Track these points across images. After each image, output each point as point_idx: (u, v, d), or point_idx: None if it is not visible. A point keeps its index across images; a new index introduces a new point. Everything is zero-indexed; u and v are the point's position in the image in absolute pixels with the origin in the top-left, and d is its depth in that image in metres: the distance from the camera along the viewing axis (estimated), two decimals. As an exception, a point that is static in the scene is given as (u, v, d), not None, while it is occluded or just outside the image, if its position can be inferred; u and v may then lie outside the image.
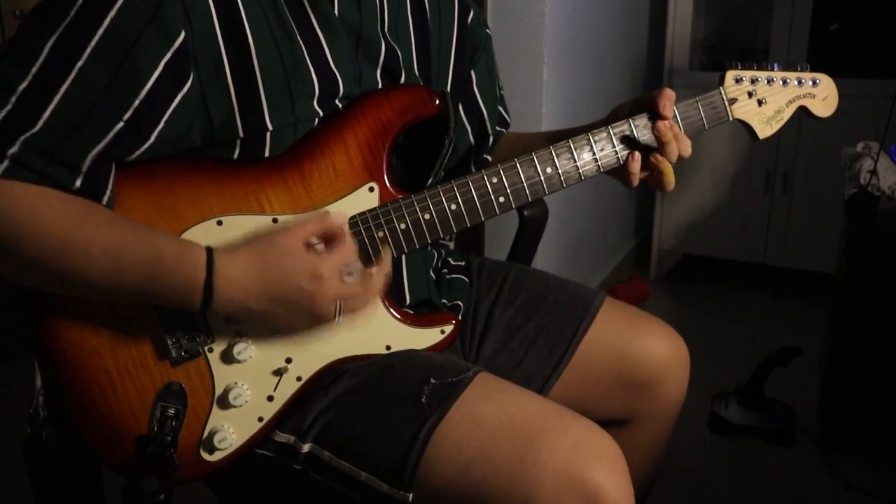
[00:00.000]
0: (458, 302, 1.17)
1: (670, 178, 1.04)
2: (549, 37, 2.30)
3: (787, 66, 1.12)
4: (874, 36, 2.92)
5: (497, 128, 1.24)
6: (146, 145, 0.85)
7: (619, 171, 1.05)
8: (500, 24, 2.32)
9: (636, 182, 1.04)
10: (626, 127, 1.03)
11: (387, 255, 0.95)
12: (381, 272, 0.93)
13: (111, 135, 0.82)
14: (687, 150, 1.04)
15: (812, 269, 2.96)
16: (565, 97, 2.49)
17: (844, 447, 2.04)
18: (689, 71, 3.03)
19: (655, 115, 1.03)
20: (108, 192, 0.85)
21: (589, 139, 1.02)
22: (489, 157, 1.23)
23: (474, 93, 1.20)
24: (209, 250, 0.85)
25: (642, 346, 1.16)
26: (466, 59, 1.18)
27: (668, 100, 1.02)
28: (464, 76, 1.18)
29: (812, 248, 2.94)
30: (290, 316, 0.89)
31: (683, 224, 3.18)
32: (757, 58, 3.15)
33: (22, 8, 2.43)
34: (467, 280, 1.23)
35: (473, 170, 1.20)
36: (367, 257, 0.96)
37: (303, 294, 0.86)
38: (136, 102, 0.82)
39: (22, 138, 0.79)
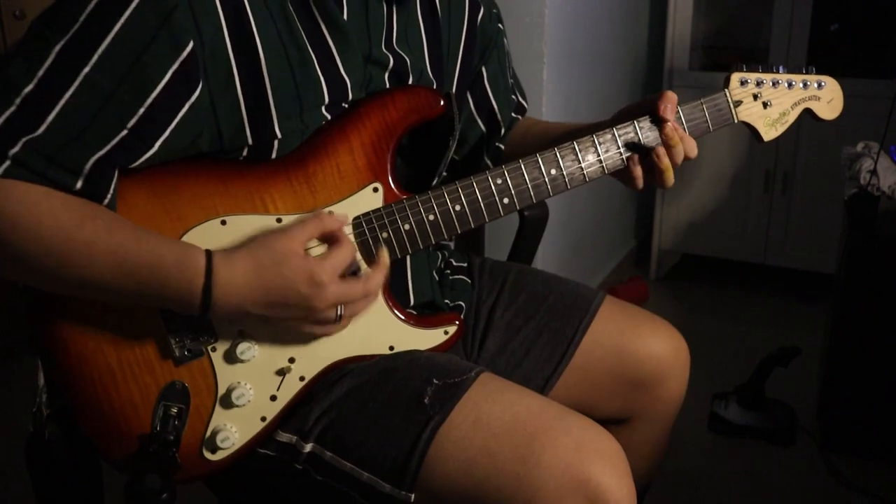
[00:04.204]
0: (461, 302, 1.17)
1: (671, 177, 1.04)
2: (549, 37, 2.30)
3: (793, 69, 1.11)
4: (874, 36, 2.92)
5: (513, 115, 1.26)
6: (150, 153, 0.85)
7: (622, 173, 1.05)
8: (500, 24, 2.32)
9: (641, 185, 1.04)
10: (630, 129, 1.03)
11: (383, 256, 0.94)
12: (378, 273, 0.93)
13: (114, 142, 0.82)
14: (693, 150, 1.04)
15: (812, 269, 2.96)
16: (565, 97, 2.49)
17: (844, 447, 2.04)
18: (689, 71, 3.03)
19: (658, 118, 1.02)
20: (109, 195, 0.84)
21: (594, 141, 1.02)
22: (502, 146, 1.24)
23: (485, 88, 1.21)
24: (208, 254, 0.85)
25: (643, 344, 1.16)
26: (475, 59, 1.18)
27: (669, 102, 1.02)
28: (471, 76, 1.18)
29: (812, 248, 2.94)
30: (290, 321, 0.89)
31: (683, 224, 3.18)
32: (757, 58, 3.14)
33: (21, 8, 2.43)
34: (469, 281, 1.23)
35: (487, 160, 1.23)
36: (371, 258, 0.96)
37: (301, 299, 0.86)
38: (142, 110, 0.82)
39: (23, 140, 0.78)
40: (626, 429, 1.20)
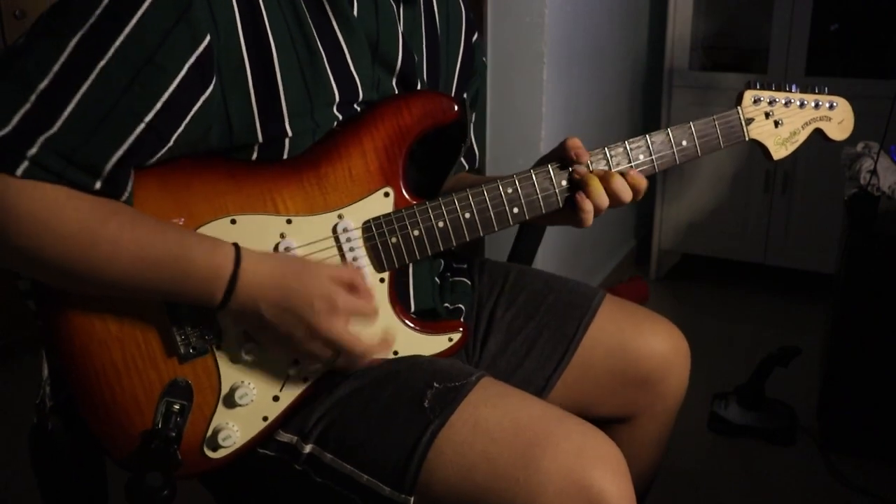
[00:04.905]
0: (461, 305, 1.17)
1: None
2: (549, 37, 2.30)
3: (805, 89, 1.12)
4: (874, 36, 2.92)
5: (462, 159, 1.23)
6: (166, 148, 0.85)
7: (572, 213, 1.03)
8: (500, 24, 2.32)
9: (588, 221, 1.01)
10: (642, 143, 1.03)
11: (391, 341, 0.97)
12: (383, 345, 0.95)
13: (132, 137, 0.82)
14: (641, 190, 1.03)
15: (812, 269, 2.96)
16: (565, 97, 2.49)
17: (844, 447, 2.05)
18: (689, 71, 3.03)
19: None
20: (127, 192, 0.85)
21: (605, 153, 1.02)
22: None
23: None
24: (236, 246, 0.86)
25: (643, 342, 1.16)
26: (467, 78, 1.18)
27: (576, 147, 1.00)
28: (462, 94, 1.18)
29: (812, 248, 2.94)
30: (292, 337, 0.89)
31: (683, 224, 3.18)
32: (757, 58, 3.11)
33: (22, 8, 2.43)
34: (469, 282, 1.22)
35: None
36: (380, 263, 0.96)
37: (311, 314, 0.87)
38: (158, 105, 0.82)
39: (41, 139, 0.78)
40: (627, 427, 1.20)
